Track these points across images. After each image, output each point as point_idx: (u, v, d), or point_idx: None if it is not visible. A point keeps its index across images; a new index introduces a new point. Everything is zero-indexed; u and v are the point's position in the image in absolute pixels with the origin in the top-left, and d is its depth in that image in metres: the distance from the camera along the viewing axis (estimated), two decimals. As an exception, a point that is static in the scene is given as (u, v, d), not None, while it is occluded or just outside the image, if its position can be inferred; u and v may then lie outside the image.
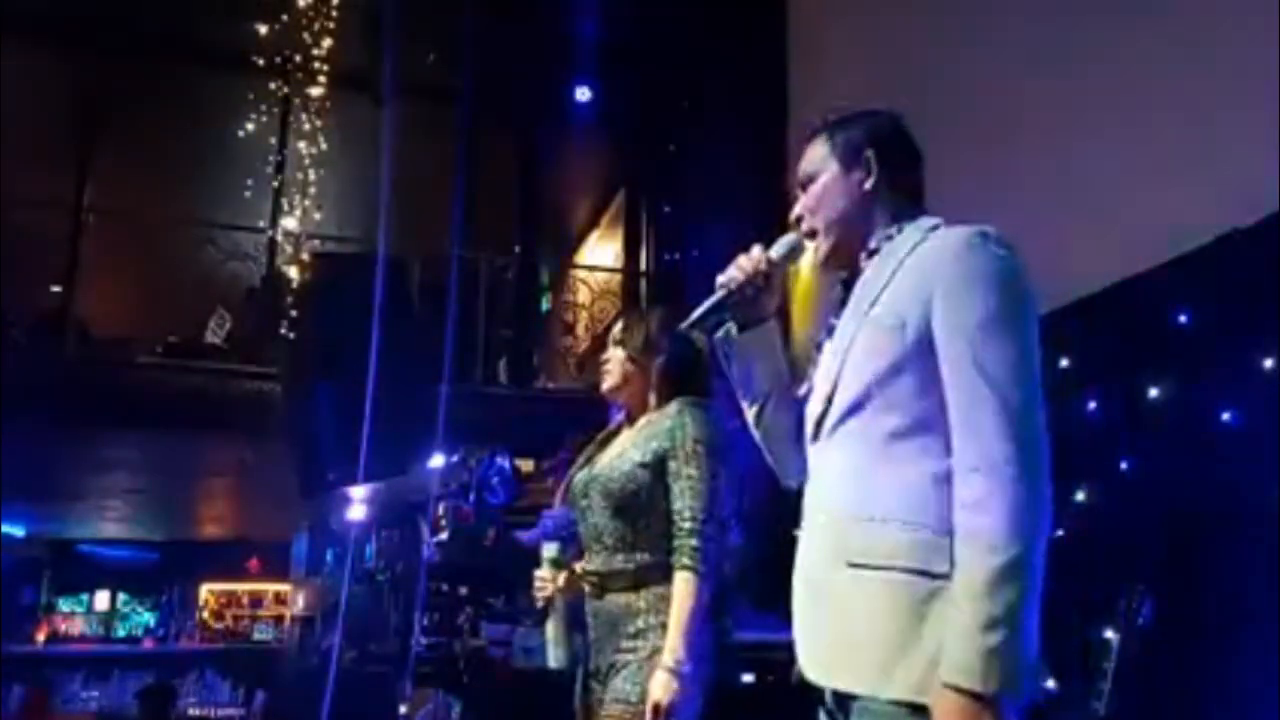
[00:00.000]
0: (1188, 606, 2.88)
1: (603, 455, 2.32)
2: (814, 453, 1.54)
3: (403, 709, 4.47)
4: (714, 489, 2.13)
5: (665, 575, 2.12)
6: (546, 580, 2.34)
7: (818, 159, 1.59)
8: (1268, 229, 2.95)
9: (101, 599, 12.32)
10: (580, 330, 8.52)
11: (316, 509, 8.09)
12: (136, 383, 6.74)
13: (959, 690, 1.26)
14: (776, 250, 1.64)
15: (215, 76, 7.92)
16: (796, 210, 1.61)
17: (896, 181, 1.55)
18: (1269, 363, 2.97)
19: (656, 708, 2.00)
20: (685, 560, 2.09)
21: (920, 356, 1.39)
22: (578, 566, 2.33)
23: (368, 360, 4.80)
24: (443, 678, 4.32)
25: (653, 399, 2.28)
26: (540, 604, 2.36)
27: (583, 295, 8.67)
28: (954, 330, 1.37)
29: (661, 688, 2.01)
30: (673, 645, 2.04)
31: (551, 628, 2.36)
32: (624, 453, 2.24)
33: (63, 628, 12.02)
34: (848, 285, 1.57)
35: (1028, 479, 1.30)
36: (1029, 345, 1.37)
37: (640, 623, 2.13)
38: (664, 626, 2.09)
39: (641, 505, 2.18)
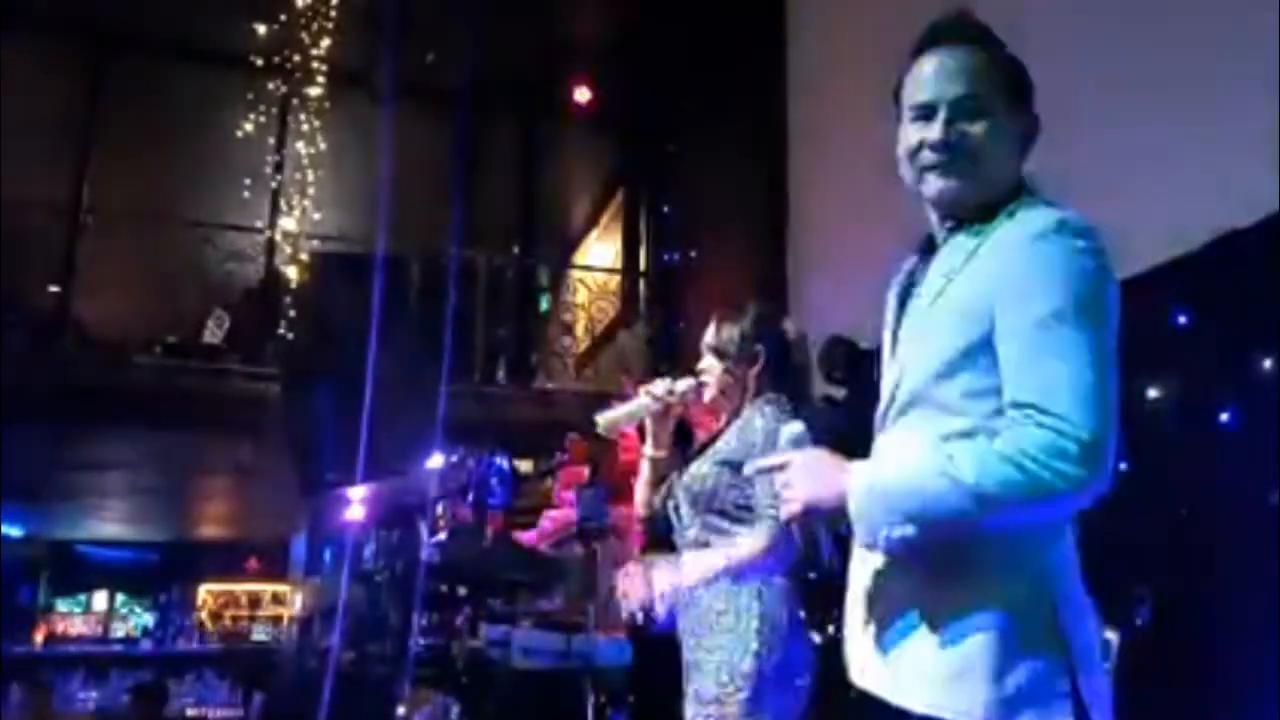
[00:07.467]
0: (1188, 606, 2.87)
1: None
2: (877, 446, 1.47)
3: (401, 710, 4.45)
4: None
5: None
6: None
7: (981, 80, 1.35)
8: (1268, 229, 2.95)
9: (99, 599, 12.30)
10: (579, 330, 8.52)
11: (315, 509, 8.08)
12: (135, 383, 6.74)
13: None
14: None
15: (214, 76, 7.91)
16: (939, 133, 1.35)
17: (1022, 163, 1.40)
18: (1269, 363, 2.97)
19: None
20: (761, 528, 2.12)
21: (982, 352, 1.30)
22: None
23: (366, 360, 4.80)
24: (441, 679, 4.31)
25: (747, 401, 2.29)
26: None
27: (581, 295, 8.67)
28: (1016, 327, 1.26)
29: (662, 575, 2.14)
30: (702, 564, 2.12)
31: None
32: (707, 454, 2.26)
33: (61, 628, 12.00)
34: (922, 261, 1.45)
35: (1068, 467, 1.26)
36: (1100, 342, 1.27)
37: (721, 621, 2.14)
38: (741, 627, 2.10)
39: (721, 503, 2.19)
